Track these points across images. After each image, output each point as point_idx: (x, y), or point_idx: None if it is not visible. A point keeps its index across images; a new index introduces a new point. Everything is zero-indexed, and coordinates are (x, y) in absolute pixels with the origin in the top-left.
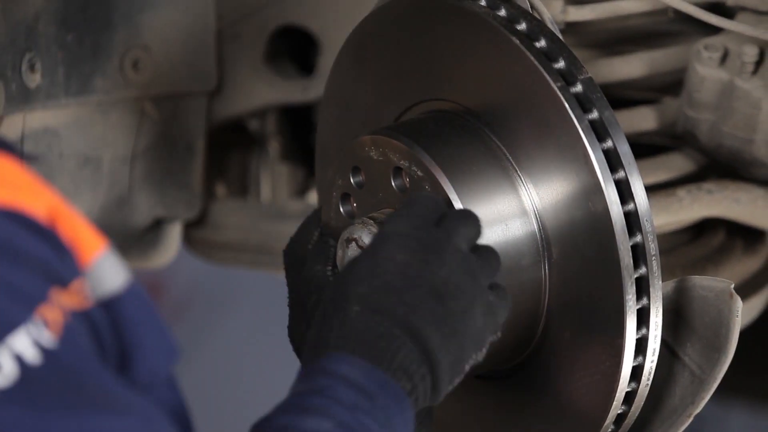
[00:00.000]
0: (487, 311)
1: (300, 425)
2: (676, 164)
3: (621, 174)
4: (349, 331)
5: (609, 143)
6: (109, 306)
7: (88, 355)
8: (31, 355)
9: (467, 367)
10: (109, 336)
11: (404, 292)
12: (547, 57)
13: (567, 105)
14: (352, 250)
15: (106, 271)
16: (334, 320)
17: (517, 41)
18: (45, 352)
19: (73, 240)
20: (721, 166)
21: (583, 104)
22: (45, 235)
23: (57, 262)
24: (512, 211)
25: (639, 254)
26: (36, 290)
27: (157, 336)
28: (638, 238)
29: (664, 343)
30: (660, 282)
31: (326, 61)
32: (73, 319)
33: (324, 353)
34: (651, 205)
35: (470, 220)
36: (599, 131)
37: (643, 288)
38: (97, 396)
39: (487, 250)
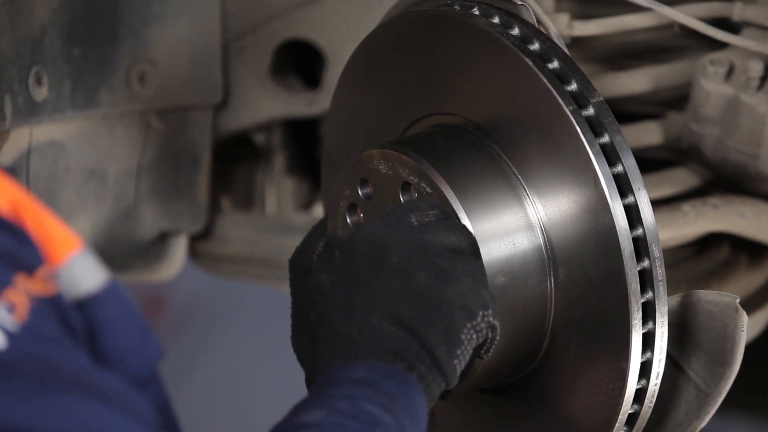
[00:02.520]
0: (455, 273)
1: (296, 419)
2: (681, 179)
3: (630, 199)
4: (330, 340)
5: (619, 168)
6: (85, 305)
7: (57, 339)
8: None
9: (465, 336)
10: (82, 326)
11: (371, 282)
12: (559, 78)
13: (579, 129)
14: None
15: (82, 270)
16: (324, 332)
17: (530, 62)
18: (10, 336)
19: (42, 236)
20: (726, 180)
21: (594, 128)
22: (6, 226)
23: (20, 252)
24: (520, 229)
25: (646, 279)
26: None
27: (137, 335)
28: (646, 263)
29: (669, 358)
30: (666, 307)
31: (332, 74)
32: (40, 304)
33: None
34: (656, 220)
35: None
36: (610, 155)
37: (649, 312)
38: (68, 379)
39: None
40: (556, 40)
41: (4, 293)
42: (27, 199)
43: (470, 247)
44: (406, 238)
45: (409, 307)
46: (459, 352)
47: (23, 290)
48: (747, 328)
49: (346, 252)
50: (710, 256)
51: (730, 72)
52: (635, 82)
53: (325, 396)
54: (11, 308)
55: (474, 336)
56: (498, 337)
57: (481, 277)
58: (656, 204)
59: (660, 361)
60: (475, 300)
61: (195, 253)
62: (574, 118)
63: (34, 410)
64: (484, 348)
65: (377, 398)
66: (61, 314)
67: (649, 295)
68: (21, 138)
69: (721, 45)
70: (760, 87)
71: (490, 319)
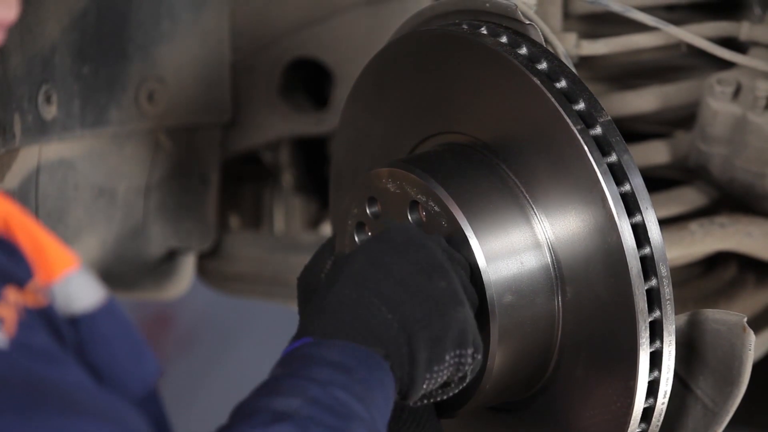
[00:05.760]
0: (466, 303)
1: (270, 405)
2: (688, 198)
3: (638, 218)
4: (328, 314)
5: (627, 187)
6: (79, 322)
7: (46, 351)
8: None
9: (448, 358)
10: (71, 335)
11: (391, 267)
12: (567, 98)
13: (586, 148)
14: None
15: (77, 288)
16: (312, 307)
17: (538, 82)
18: None
19: (35, 252)
20: (733, 199)
21: (602, 147)
22: None
23: (10, 265)
24: (528, 248)
25: (654, 298)
26: None
27: (133, 354)
28: (653, 283)
29: (677, 376)
30: (674, 326)
31: (340, 93)
32: (30, 315)
33: (302, 338)
34: (663, 239)
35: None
36: (617, 175)
37: (656, 331)
38: (55, 395)
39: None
40: (563, 60)
41: None
42: (20, 216)
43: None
44: (443, 249)
45: (416, 304)
46: (436, 368)
47: (12, 303)
48: (754, 347)
49: (381, 233)
50: (717, 275)
51: (737, 91)
52: (643, 101)
53: (299, 378)
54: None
55: (455, 363)
56: (462, 386)
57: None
58: (664, 223)
59: (667, 379)
60: (473, 334)
61: (203, 271)
62: (582, 138)
63: (19, 426)
64: (444, 389)
65: (352, 386)
66: (52, 325)
67: (657, 314)
68: (30, 156)
69: (728, 64)
70: None
71: (473, 359)
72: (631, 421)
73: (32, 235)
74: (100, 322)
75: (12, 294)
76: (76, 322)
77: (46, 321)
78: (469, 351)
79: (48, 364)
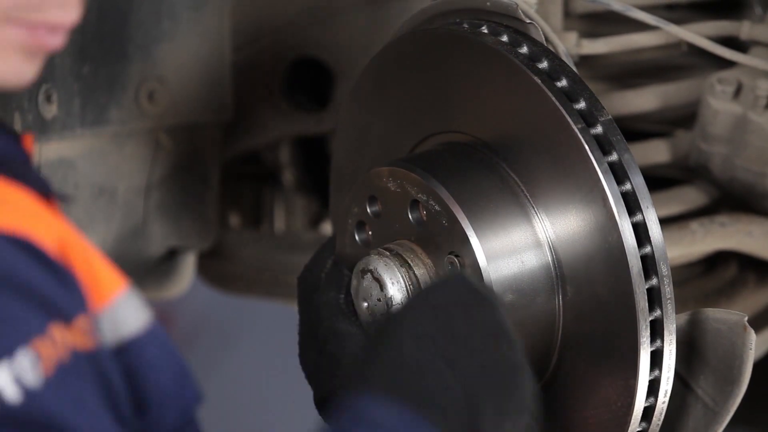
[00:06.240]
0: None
1: None
2: (689, 197)
3: (639, 217)
4: (388, 372)
5: (627, 186)
6: (127, 349)
7: (81, 400)
8: (10, 393)
9: (507, 425)
10: (121, 380)
11: (466, 337)
12: (568, 97)
13: (587, 147)
14: (368, 281)
15: (126, 312)
16: (376, 358)
17: (539, 81)
18: (27, 391)
19: (89, 278)
20: (733, 199)
21: (603, 146)
22: (51, 266)
23: (61, 296)
24: (528, 247)
25: (654, 297)
26: (29, 323)
27: (178, 380)
28: (654, 281)
29: (678, 375)
30: (674, 325)
31: (341, 92)
32: (73, 358)
33: (361, 394)
34: (664, 238)
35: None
36: (618, 174)
37: (657, 330)
38: None
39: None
40: (564, 59)
41: (33, 342)
42: (76, 237)
43: None
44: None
45: (482, 372)
46: None
47: (57, 341)
48: (755, 346)
49: (444, 283)
50: (718, 275)
51: (737, 91)
52: (643, 100)
53: None
54: (36, 360)
55: (511, 430)
56: None
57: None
58: (664, 222)
59: (668, 379)
60: (533, 403)
61: (203, 270)
62: (583, 137)
63: None
64: None
65: None
66: (97, 370)
67: (657, 313)
68: None
69: (729, 64)
70: None
71: (530, 430)
72: (632, 420)
73: (87, 259)
74: (146, 347)
75: (58, 332)
76: (123, 347)
77: (92, 367)
78: (526, 420)
79: (77, 412)
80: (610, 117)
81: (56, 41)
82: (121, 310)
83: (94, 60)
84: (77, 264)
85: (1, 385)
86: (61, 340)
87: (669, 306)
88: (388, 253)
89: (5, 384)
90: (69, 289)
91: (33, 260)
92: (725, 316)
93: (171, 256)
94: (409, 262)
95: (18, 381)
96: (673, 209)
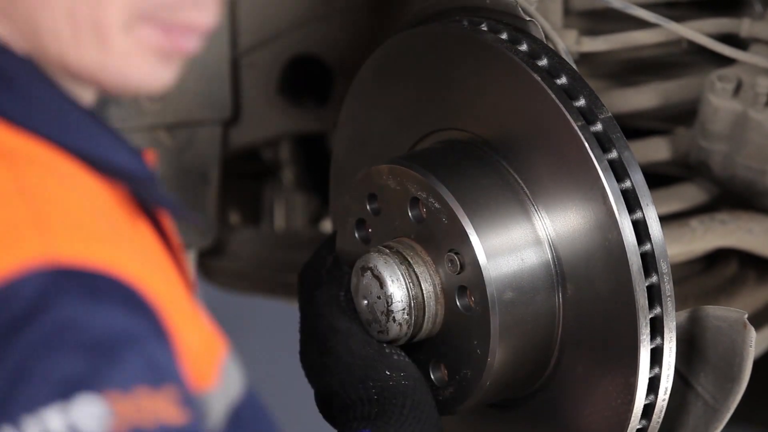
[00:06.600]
0: None
1: None
2: (689, 195)
3: (638, 214)
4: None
5: (627, 183)
6: (232, 418)
7: None
8: None
9: None
10: None
11: None
12: (567, 94)
13: (587, 144)
14: (367, 279)
15: (229, 381)
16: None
17: (539, 78)
18: None
19: (193, 345)
20: (734, 196)
21: (602, 144)
22: (154, 321)
23: (162, 357)
24: (528, 245)
25: (654, 295)
26: (109, 373)
27: None
28: (654, 279)
29: (678, 373)
30: (674, 323)
31: (341, 90)
32: (159, 430)
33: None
34: (664, 235)
35: None
36: (618, 171)
37: (657, 328)
38: None
39: None
40: (564, 56)
41: (107, 393)
42: (221, 340)
43: None
44: None
45: None
46: None
47: (142, 405)
48: (755, 343)
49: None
50: (718, 272)
51: (738, 88)
52: (643, 97)
53: None
54: (107, 415)
55: None
56: None
57: None
58: (664, 220)
59: (668, 376)
60: None
61: (203, 268)
62: (582, 134)
63: None
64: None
65: None
66: None
67: (657, 310)
68: None
69: (729, 61)
70: None
71: None
72: (632, 418)
73: (194, 319)
74: (247, 415)
75: (145, 395)
76: (228, 417)
77: None
78: None
79: None
80: (609, 114)
81: (191, 44)
82: (226, 380)
83: None
84: (180, 324)
85: (53, 428)
86: (148, 405)
87: (669, 303)
88: (387, 250)
89: (57, 428)
90: (168, 350)
91: (134, 310)
92: (725, 313)
93: None
94: (409, 259)
95: (73, 429)
96: (673, 207)
